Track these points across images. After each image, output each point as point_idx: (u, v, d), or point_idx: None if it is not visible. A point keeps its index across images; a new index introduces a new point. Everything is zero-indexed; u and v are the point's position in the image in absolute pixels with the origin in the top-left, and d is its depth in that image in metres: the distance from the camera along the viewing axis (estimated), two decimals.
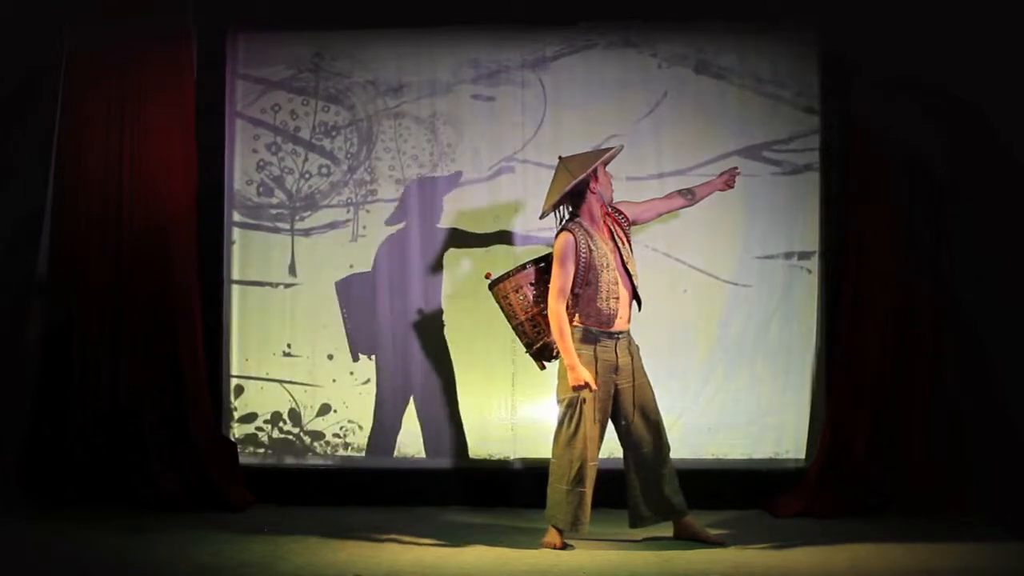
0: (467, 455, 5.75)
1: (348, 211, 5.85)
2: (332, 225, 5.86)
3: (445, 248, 5.79)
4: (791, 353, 5.70)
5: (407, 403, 5.79)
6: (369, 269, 5.82)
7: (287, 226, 5.88)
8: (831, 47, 5.64)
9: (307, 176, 5.88)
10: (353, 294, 5.82)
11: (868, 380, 5.41)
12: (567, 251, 4.66)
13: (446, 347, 5.77)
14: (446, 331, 5.78)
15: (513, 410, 5.73)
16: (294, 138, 5.89)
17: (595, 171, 4.74)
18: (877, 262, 5.45)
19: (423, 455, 5.77)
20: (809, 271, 5.72)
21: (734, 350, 5.70)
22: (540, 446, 5.60)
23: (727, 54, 5.76)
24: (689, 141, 5.75)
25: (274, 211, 5.89)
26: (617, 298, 4.68)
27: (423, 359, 5.78)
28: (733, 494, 5.49)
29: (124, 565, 4.42)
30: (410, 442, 5.78)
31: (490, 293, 4.96)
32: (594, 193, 4.75)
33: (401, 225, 5.82)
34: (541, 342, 4.81)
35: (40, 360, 5.55)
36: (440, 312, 5.78)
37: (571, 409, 4.66)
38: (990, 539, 4.78)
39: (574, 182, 4.68)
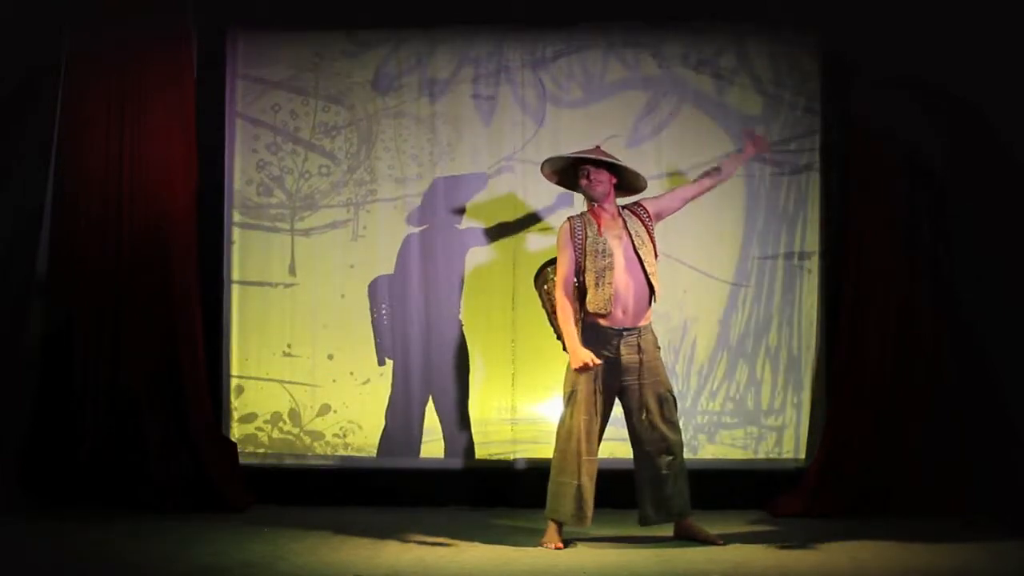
0: (467, 455, 5.75)
1: (348, 211, 5.85)
2: (332, 225, 5.86)
3: (446, 248, 5.80)
4: (791, 353, 5.70)
5: (422, 404, 5.78)
6: (392, 271, 5.83)
7: (287, 226, 5.88)
8: (831, 47, 5.64)
9: (307, 176, 5.89)
10: (379, 295, 5.81)
11: (868, 380, 5.41)
12: (562, 239, 4.80)
13: (465, 347, 5.76)
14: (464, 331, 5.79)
15: (513, 410, 5.73)
16: (294, 138, 5.89)
17: (581, 167, 4.83)
18: (877, 262, 5.45)
19: (423, 455, 5.77)
20: (809, 271, 5.73)
21: (734, 350, 5.71)
22: (540, 446, 5.63)
23: (727, 54, 5.76)
24: (689, 141, 5.75)
25: (274, 211, 5.88)
26: (611, 283, 4.68)
27: (437, 360, 5.77)
28: (733, 494, 5.49)
29: (124, 565, 4.42)
30: (411, 443, 5.79)
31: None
32: (585, 190, 4.85)
33: (416, 227, 5.81)
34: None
35: (40, 360, 5.55)
36: (456, 312, 5.77)
37: (569, 403, 4.70)
38: (990, 539, 4.77)
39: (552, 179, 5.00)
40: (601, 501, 4.81)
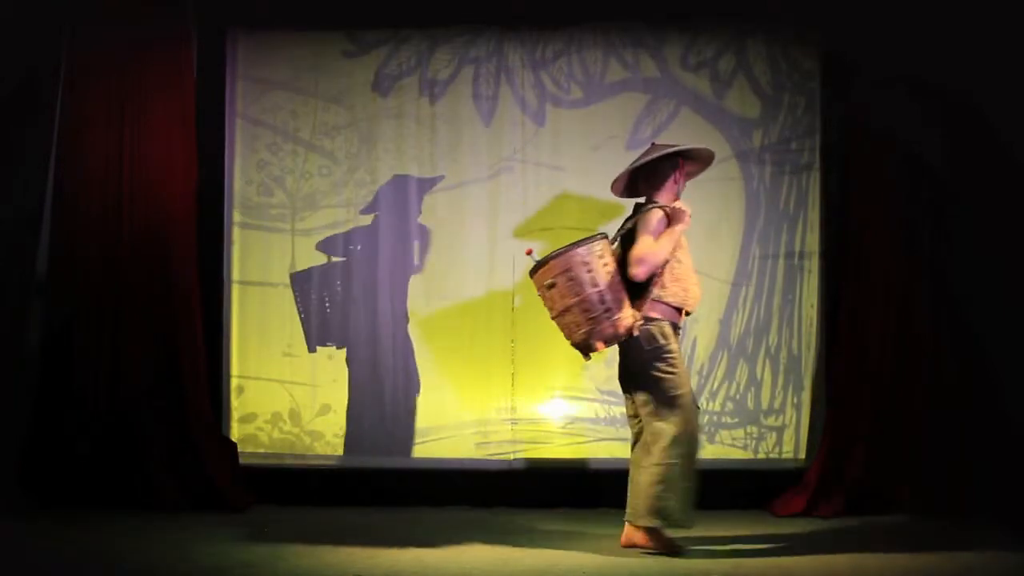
0: (467, 455, 5.74)
1: (348, 211, 5.85)
2: (332, 225, 5.86)
3: (433, 247, 5.80)
4: (791, 353, 5.71)
5: (409, 400, 5.78)
6: (325, 261, 5.82)
7: (287, 226, 5.88)
8: (832, 47, 5.65)
9: (307, 176, 5.89)
10: (316, 285, 5.82)
11: (868, 380, 5.41)
12: (662, 225, 4.53)
13: (459, 346, 5.76)
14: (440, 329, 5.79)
15: (513, 410, 5.73)
16: (294, 138, 5.90)
17: (681, 157, 4.66)
18: (877, 262, 5.45)
19: (422, 455, 5.77)
20: (809, 271, 5.73)
21: (734, 350, 5.71)
22: (540, 446, 5.64)
23: (727, 54, 5.77)
24: (689, 141, 5.71)
25: (274, 211, 5.89)
26: (696, 284, 4.61)
27: (420, 358, 5.78)
28: (733, 494, 5.49)
29: (124, 565, 4.42)
30: (409, 441, 5.79)
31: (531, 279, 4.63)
32: (677, 183, 4.69)
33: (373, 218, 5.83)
34: (585, 331, 4.42)
35: (40, 360, 5.54)
36: (449, 310, 5.78)
37: (676, 406, 4.46)
38: (990, 539, 4.77)
39: (657, 154, 4.60)
40: (600, 501, 4.82)
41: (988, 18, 5.18)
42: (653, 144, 4.77)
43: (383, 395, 5.77)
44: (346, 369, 5.80)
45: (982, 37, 5.21)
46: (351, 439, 5.78)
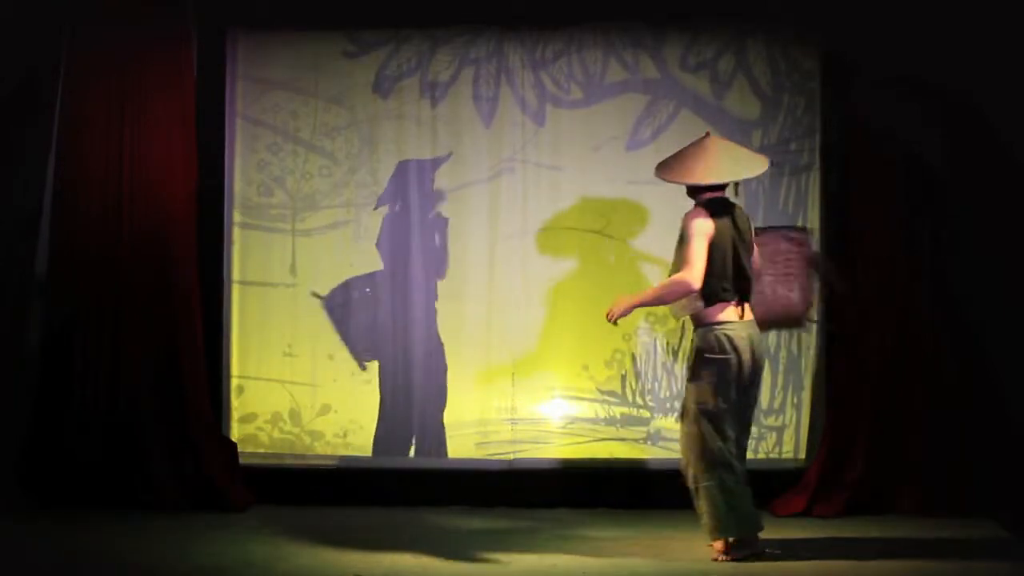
0: (467, 455, 5.74)
1: (349, 211, 5.85)
2: (333, 225, 5.86)
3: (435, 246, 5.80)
4: (791, 353, 5.70)
5: (407, 402, 5.78)
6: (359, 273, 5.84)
7: (288, 226, 5.88)
8: (832, 47, 5.64)
9: (308, 176, 5.88)
10: (352, 297, 5.82)
11: (868, 380, 5.41)
12: None
13: (458, 346, 5.76)
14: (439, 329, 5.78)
15: (513, 410, 5.72)
16: (295, 138, 5.89)
17: None
18: (877, 262, 5.45)
19: (423, 456, 5.77)
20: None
21: None
22: (540, 446, 5.63)
23: (727, 54, 5.76)
24: (689, 142, 5.73)
25: (275, 211, 5.88)
26: None
27: (429, 358, 5.77)
28: None
29: (124, 565, 4.42)
30: (406, 443, 5.79)
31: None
32: None
33: (385, 209, 5.83)
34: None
35: (40, 360, 5.55)
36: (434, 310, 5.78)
37: None
38: (990, 539, 4.78)
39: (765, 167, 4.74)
40: (600, 501, 4.82)
41: (988, 18, 5.18)
42: (708, 134, 4.74)
43: (384, 395, 5.77)
44: (347, 370, 5.80)
45: (982, 37, 5.20)
46: (351, 439, 5.78)
